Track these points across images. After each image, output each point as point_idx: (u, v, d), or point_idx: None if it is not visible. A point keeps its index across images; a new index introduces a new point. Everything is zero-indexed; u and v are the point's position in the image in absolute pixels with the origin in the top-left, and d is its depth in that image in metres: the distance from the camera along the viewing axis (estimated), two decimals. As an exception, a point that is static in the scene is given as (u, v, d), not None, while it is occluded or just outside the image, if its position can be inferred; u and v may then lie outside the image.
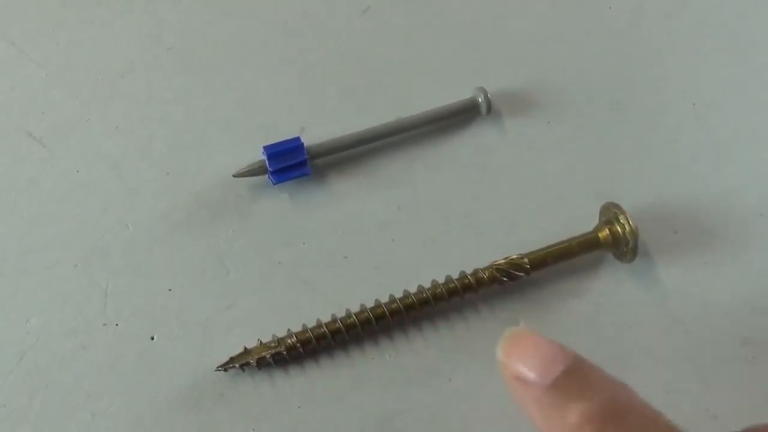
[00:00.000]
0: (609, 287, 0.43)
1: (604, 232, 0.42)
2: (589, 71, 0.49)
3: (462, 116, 0.46)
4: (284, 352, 0.39)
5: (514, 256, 0.41)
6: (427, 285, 0.41)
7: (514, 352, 0.31)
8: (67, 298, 0.41)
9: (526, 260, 0.41)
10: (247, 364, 0.39)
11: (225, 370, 0.39)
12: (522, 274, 0.40)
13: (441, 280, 0.41)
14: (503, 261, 0.41)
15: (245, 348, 0.39)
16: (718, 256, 0.44)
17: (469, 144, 0.46)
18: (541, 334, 0.32)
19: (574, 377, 0.29)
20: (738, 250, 0.44)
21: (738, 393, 0.40)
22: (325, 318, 0.40)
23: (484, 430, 0.39)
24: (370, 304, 0.40)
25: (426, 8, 0.49)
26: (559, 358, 0.30)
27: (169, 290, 0.41)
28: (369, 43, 0.48)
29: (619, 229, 0.41)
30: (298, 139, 0.43)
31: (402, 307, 0.40)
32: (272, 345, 0.39)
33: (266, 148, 0.42)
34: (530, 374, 0.30)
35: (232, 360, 0.39)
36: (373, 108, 0.46)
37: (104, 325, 0.40)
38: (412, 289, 0.40)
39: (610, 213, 0.42)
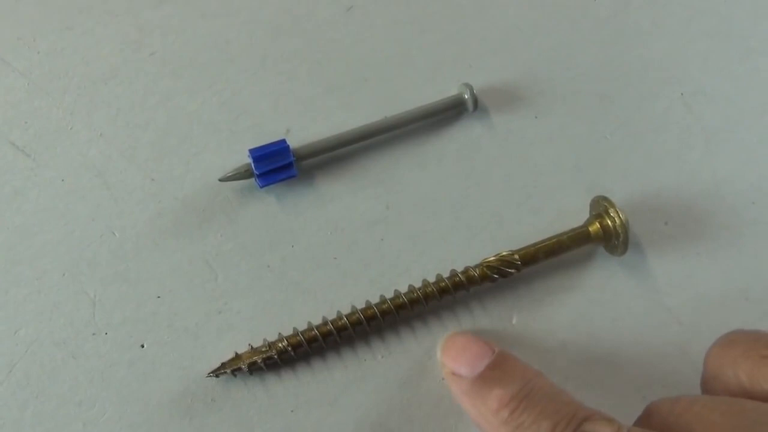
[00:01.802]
0: (601, 281, 0.43)
1: (595, 226, 0.41)
2: (576, 63, 0.48)
3: (449, 113, 0.46)
4: (276, 357, 0.39)
5: (505, 253, 0.41)
6: (417, 284, 0.40)
7: (449, 352, 0.38)
8: (56, 308, 0.40)
9: (516, 256, 0.40)
10: (239, 369, 0.39)
11: (216, 375, 0.39)
12: (513, 270, 0.40)
13: (432, 278, 0.40)
14: (494, 258, 0.40)
15: (236, 353, 0.39)
16: (710, 246, 0.44)
17: (457, 140, 0.46)
18: (473, 333, 0.39)
19: (496, 370, 0.35)
20: (730, 239, 0.44)
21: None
22: (316, 320, 0.40)
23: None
24: (360, 304, 0.40)
25: (410, 5, 0.49)
26: (485, 354, 0.36)
27: (158, 297, 0.41)
28: (353, 41, 0.48)
29: (610, 223, 0.41)
30: (283, 141, 0.42)
31: (393, 308, 0.39)
32: (263, 350, 0.39)
33: (252, 151, 0.42)
34: (461, 369, 0.36)
35: (223, 366, 0.39)
36: (359, 107, 0.46)
37: (94, 334, 0.40)
38: (403, 289, 0.40)
39: (601, 206, 0.41)
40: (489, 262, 0.40)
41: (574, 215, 0.43)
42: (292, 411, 0.39)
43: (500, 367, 0.35)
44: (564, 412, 0.31)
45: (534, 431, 0.31)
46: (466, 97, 0.45)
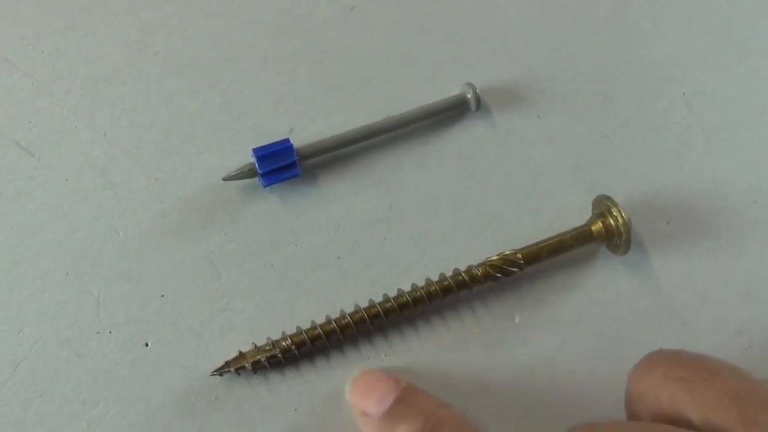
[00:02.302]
0: (603, 280, 0.43)
1: (597, 225, 0.41)
2: (576, 63, 0.48)
3: (451, 113, 0.46)
4: (279, 355, 0.39)
5: (508, 252, 0.41)
6: (420, 283, 0.40)
7: (356, 390, 0.37)
8: (60, 307, 0.40)
9: (519, 255, 0.40)
10: (243, 367, 0.39)
11: (220, 374, 0.39)
12: (516, 269, 0.40)
13: (434, 277, 0.41)
14: (497, 257, 0.41)
15: (240, 352, 0.39)
16: (712, 245, 0.44)
17: (459, 140, 0.46)
18: (380, 370, 0.38)
19: (402, 404, 0.35)
20: (731, 239, 0.44)
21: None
22: (320, 319, 0.40)
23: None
24: (364, 303, 0.40)
25: (411, 5, 0.49)
26: (391, 390, 0.36)
27: (162, 296, 0.41)
28: (356, 41, 0.48)
29: (612, 222, 0.41)
30: (287, 140, 0.43)
31: (396, 306, 0.40)
32: (267, 348, 0.39)
33: (255, 150, 0.42)
34: (370, 408, 0.36)
35: (227, 364, 0.39)
36: (361, 107, 0.46)
37: (98, 332, 0.40)
38: (406, 288, 0.40)
39: (603, 205, 0.41)
40: (492, 261, 0.40)
41: (574, 215, 0.43)
42: (295, 409, 0.39)
43: (405, 402, 0.35)
44: None
45: None
46: (469, 96, 0.45)
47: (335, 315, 0.40)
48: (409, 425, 0.33)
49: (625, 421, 0.32)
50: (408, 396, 0.35)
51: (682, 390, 0.29)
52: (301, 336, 0.39)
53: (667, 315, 0.42)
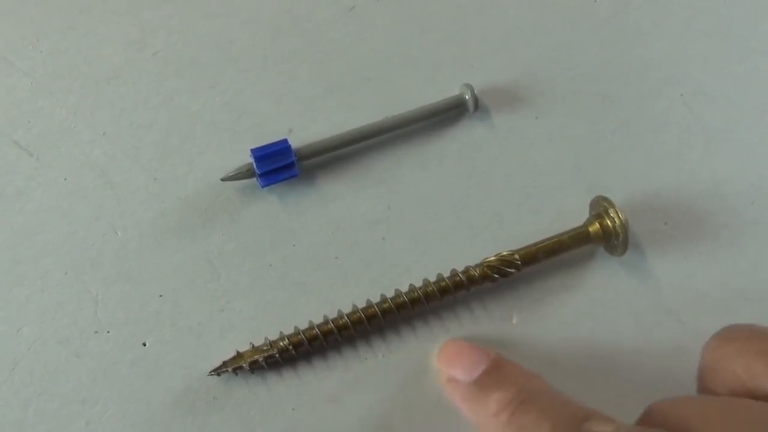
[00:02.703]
0: (601, 281, 0.43)
1: (595, 226, 0.41)
2: (576, 63, 0.48)
3: (450, 113, 0.46)
4: (277, 355, 0.39)
5: (505, 253, 0.41)
6: (418, 283, 0.41)
7: (445, 358, 0.39)
8: (59, 307, 0.41)
9: (517, 256, 0.40)
10: (240, 368, 0.39)
11: (218, 374, 0.39)
12: (513, 270, 0.40)
13: (432, 277, 0.41)
14: (494, 258, 0.41)
15: (238, 352, 0.39)
16: (710, 246, 0.44)
17: (459, 140, 0.46)
18: (469, 340, 0.40)
19: (493, 374, 0.35)
20: (730, 239, 0.44)
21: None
22: (318, 319, 0.40)
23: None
24: (362, 304, 0.40)
25: (411, 6, 0.49)
26: (482, 360, 0.36)
27: (161, 296, 0.41)
28: (355, 41, 0.48)
29: (610, 223, 0.41)
30: (285, 141, 0.43)
31: (394, 307, 0.40)
32: (265, 348, 0.39)
33: (254, 150, 0.42)
34: (459, 375, 0.36)
35: (225, 364, 0.39)
36: (360, 107, 0.46)
37: (96, 332, 0.40)
38: (404, 288, 0.40)
39: (601, 206, 0.41)
40: (489, 261, 0.40)
41: (574, 215, 0.43)
42: (293, 409, 0.39)
43: (497, 372, 0.36)
44: (564, 413, 0.31)
45: None
46: (467, 97, 0.45)
47: (333, 315, 0.40)
48: (503, 393, 0.33)
49: (707, 396, 0.32)
50: (499, 366, 0.36)
51: (760, 363, 0.29)
52: (299, 336, 0.39)
53: (666, 315, 0.42)
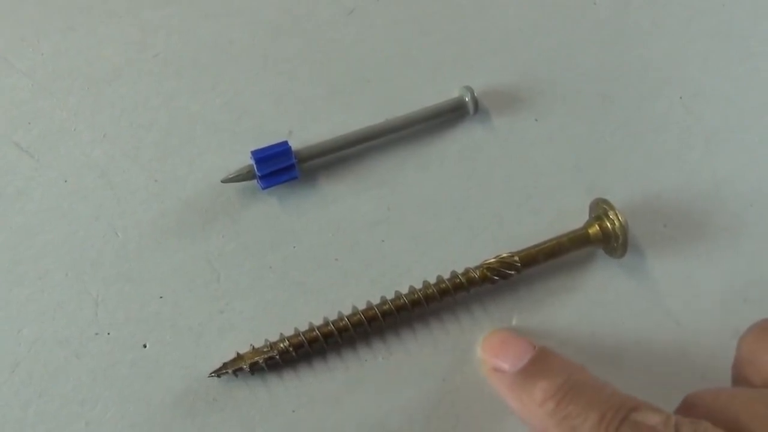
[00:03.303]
0: (601, 282, 0.43)
1: (594, 228, 0.42)
2: (576, 64, 0.48)
3: (450, 116, 0.46)
4: (277, 357, 0.39)
5: (505, 255, 0.41)
6: (418, 285, 0.41)
7: (490, 348, 0.39)
8: (59, 308, 0.41)
9: (516, 258, 0.41)
10: (240, 369, 0.39)
11: (218, 375, 0.39)
12: (513, 272, 0.40)
13: (432, 279, 0.41)
14: (494, 260, 0.41)
15: (238, 353, 0.39)
16: (709, 248, 0.44)
17: (458, 142, 0.46)
18: (514, 331, 0.41)
19: (539, 364, 0.35)
20: (729, 241, 0.44)
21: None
22: (318, 321, 0.40)
23: (478, 430, 0.39)
24: (362, 305, 0.40)
25: (411, 8, 0.49)
26: (528, 350, 0.36)
27: (161, 297, 0.41)
28: (355, 44, 0.48)
29: (609, 225, 0.41)
30: (285, 143, 0.43)
31: (394, 309, 0.40)
32: (265, 350, 0.39)
33: (254, 152, 0.42)
34: (504, 365, 0.36)
35: (225, 366, 0.39)
36: (360, 109, 0.46)
37: (96, 333, 0.40)
38: (404, 290, 0.40)
39: (600, 209, 0.41)
40: (489, 263, 0.40)
41: (574, 216, 0.43)
42: (293, 411, 0.39)
43: (542, 362, 0.35)
44: (611, 403, 0.31)
45: (581, 421, 0.31)
46: (467, 99, 0.45)
47: (333, 316, 0.40)
48: (549, 382, 0.33)
49: (748, 389, 0.32)
50: (545, 356, 0.36)
51: None
52: (299, 338, 0.39)
53: (665, 317, 0.42)
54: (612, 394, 0.32)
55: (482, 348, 0.39)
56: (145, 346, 0.40)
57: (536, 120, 0.47)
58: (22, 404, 0.39)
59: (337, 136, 0.44)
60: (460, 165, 0.45)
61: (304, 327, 0.40)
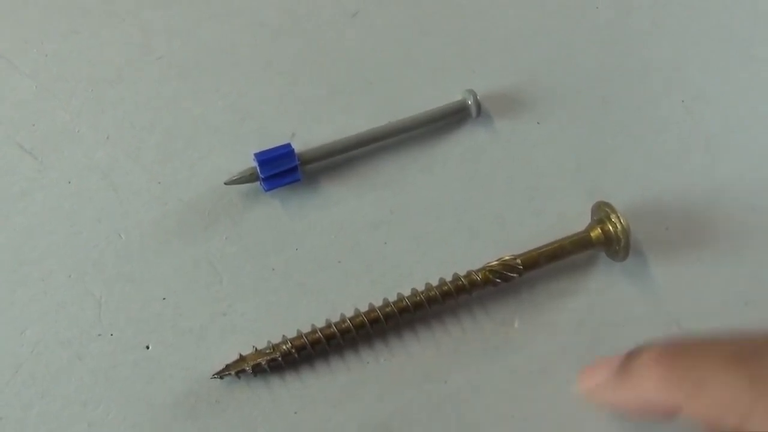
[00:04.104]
0: (602, 286, 0.43)
1: (596, 231, 0.42)
2: (577, 67, 0.49)
3: (452, 118, 0.46)
4: (279, 359, 0.39)
5: (507, 257, 0.41)
6: (420, 287, 0.41)
7: (583, 377, 0.37)
8: (62, 309, 0.41)
9: (518, 261, 0.41)
10: (243, 371, 0.39)
11: (221, 377, 0.39)
12: (515, 275, 0.40)
13: (435, 281, 0.41)
14: (496, 262, 0.41)
15: (240, 355, 0.39)
16: (711, 252, 0.44)
17: (460, 145, 0.46)
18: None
19: (630, 357, 0.33)
20: (730, 245, 0.44)
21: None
22: (320, 323, 0.40)
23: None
24: (364, 307, 0.40)
25: (414, 11, 0.49)
26: (614, 359, 0.34)
27: (164, 298, 0.41)
28: (358, 47, 0.48)
29: (611, 228, 0.41)
30: (288, 145, 0.43)
31: (396, 311, 0.40)
32: (267, 351, 0.39)
33: (257, 155, 0.42)
34: (599, 377, 0.35)
35: (227, 367, 0.39)
36: (363, 111, 0.46)
37: (99, 335, 0.40)
38: (406, 292, 0.40)
39: (602, 212, 0.42)
40: (491, 266, 0.41)
41: (575, 218, 0.43)
42: (295, 413, 0.39)
43: (633, 356, 0.33)
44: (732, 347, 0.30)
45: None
46: (470, 102, 0.45)
47: (336, 318, 0.40)
48: (650, 351, 0.32)
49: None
50: (633, 352, 0.34)
51: None
52: (302, 340, 0.39)
53: (666, 321, 0.42)
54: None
55: (580, 383, 0.37)
56: (147, 348, 0.40)
57: (538, 123, 0.47)
58: (25, 405, 0.39)
59: (339, 138, 0.44)
60: (463, 167, 0.45)
61: (306, 329, 0.40)
